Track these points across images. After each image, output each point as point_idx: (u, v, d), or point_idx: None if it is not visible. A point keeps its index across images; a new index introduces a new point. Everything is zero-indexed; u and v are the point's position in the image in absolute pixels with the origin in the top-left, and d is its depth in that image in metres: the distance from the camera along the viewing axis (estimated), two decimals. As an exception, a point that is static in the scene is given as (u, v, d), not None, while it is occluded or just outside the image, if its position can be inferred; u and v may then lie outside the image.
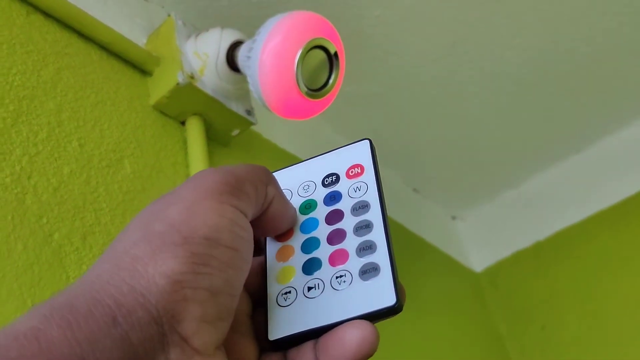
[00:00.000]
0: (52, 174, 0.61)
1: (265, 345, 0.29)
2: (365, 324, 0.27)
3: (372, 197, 0.32)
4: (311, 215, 0.33)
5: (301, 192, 0.34)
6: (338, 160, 0.35)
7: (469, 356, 1.17)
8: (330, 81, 0.72)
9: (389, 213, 1.12)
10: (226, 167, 0.29)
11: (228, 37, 0.78)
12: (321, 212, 0.33)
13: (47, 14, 0.70)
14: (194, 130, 0.78)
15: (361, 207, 0.32)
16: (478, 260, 1.37)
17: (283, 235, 0.33)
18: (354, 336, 0.27)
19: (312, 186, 0.34)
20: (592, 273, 1.22)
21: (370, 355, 0.27)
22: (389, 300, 0.28)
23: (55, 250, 0.57)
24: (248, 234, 0.28)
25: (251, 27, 0.75)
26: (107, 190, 0.66)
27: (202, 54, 0.77)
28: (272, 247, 0.32)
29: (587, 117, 1.22)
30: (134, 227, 0.26)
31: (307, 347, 0.28)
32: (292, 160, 0.99)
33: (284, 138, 0.98)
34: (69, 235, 0.59)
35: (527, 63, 1.09)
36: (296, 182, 0.35)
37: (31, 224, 0.57)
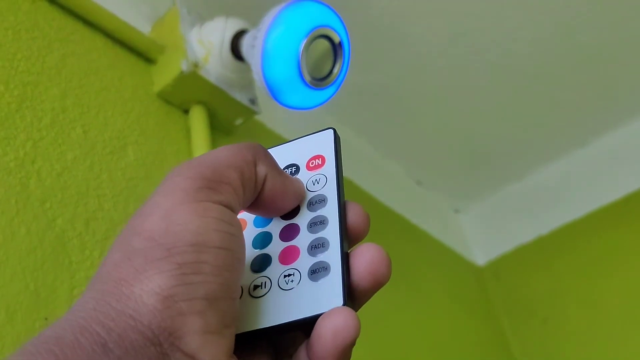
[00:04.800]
0: (55, 159, 0.62)
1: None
2: (337, 313, 0.25)
3: (330, 191, 0.31)
4: None
5: None
6: (300, 150, 0.33)
7: (470, 349, 1.18)
8: (334, 70, 0.72)
9: (391, 205, 1.11)
10: (202, 157, 0.27)
11: (233, 25, 0.78)
12: None
13: (52, 1, 0.71)
14: (198, 119, 0.78)
15: (318, 202, 0.31)
16: (481, 253, 1.37)
17: None
18: (328, 327, 0.25)
19: None
20: (594, 268, 1.22)
21: (351, 341, 0.25)
22: (336, 302, 0.26)
23: (58, 235, 0.58)
24: (237, 229, 0.26)
25: (256, 16, 0.74)
26: (110, 177, 0.66)
27: (206, 43, 0.77)
28: None
29: (592, 110, 1.22)
30: (115, 248, 0.25)
31: (302, 348, 0.27)
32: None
33: (287, 128, 0.98)
34: (72, 221, 0.60)
35: (533, 55, 1.08)
36: None
37: (34, 208, 0.57)
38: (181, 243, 0.24)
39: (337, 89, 0.75)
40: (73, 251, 0.58)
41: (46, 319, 0.53)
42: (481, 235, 1.38)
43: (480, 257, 1.37)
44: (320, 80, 0.72)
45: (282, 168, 0.32)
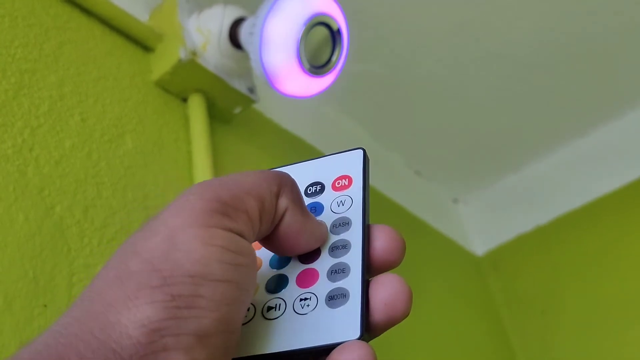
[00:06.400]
0: (53, 147, 0.61)
1: None
2: (353, 348, 0.24)
3: (355, 215, 0.29)
4: None
5: None
6: (326, 169, 0.32)
7: (469, 339, 1.18)
8: (333, 58, 0.72)
9: (390, 195, 1.11)
10: (224, 179, 0.26)
11: (231, 13, 0.77)
12: None
13: (49, -12, 0.70)
14: (196, 107, 0.78)
15: (341, 225, 0.29)
16: (479, 243, 1.37)
17: None
18: None
19: None
20: (593, 258, 1.22)
21: None
22: (353, 333, 0.25)
23: (56, 222, 0.57)
24: (246, 258, 0.24)
25: (254, 4, 0.74)
26: (108, 165, 0.66)
27: (204, 31, 0.77)
28: None
29: (591, 101, 1.21)
30: (112, 264, 0.24)
31: None
32: (292, 140, 0.99)
33: (285, 117, 0.98)
34: (70, 208, 0.59)
35: (533, 45, 1.08)
36: None
37: (33, 195, 0.57)
38: (179, 272, 0.23)
39: (336, 77, 0.75)
40: (72, 239, 0.58)
41: (45, 306, 0.53)
42: (480, 225, 1.38)
43: (479, 247, 1.37)
44: (319, 67, 0.72)
45: (306, 186, 0.31)
